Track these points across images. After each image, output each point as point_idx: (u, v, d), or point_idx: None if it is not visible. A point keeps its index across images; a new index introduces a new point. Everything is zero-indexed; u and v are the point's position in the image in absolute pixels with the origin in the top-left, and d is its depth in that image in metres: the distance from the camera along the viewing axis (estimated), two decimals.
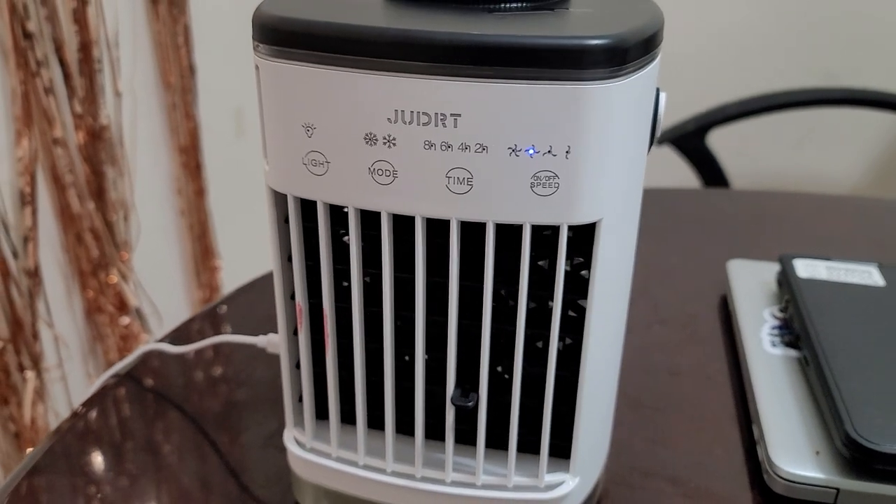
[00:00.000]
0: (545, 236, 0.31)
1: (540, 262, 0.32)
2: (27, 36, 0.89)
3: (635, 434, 0.43)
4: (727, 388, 0.47)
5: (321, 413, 0.36)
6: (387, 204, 0.29)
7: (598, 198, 0.28)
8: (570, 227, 0.29)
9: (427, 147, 0.28)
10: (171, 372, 0.49)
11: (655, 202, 0.70)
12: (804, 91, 1.20)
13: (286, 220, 0.32)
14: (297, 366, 0.35)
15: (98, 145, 1.01)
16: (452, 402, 0.31)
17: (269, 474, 0.41)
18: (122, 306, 1.08)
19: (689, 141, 1.14)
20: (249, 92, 0.35)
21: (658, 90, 0.31)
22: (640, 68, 0.28)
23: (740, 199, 0.76)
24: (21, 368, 0.93)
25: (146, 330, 1.12)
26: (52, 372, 0.99)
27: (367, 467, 0.34)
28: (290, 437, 0.36)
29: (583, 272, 0.32)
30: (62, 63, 0.94)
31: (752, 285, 0.54)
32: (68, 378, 1.02)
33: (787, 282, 0.50)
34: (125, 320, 1.09)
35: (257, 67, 0.29)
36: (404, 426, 0.35)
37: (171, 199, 1.22)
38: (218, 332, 0.53)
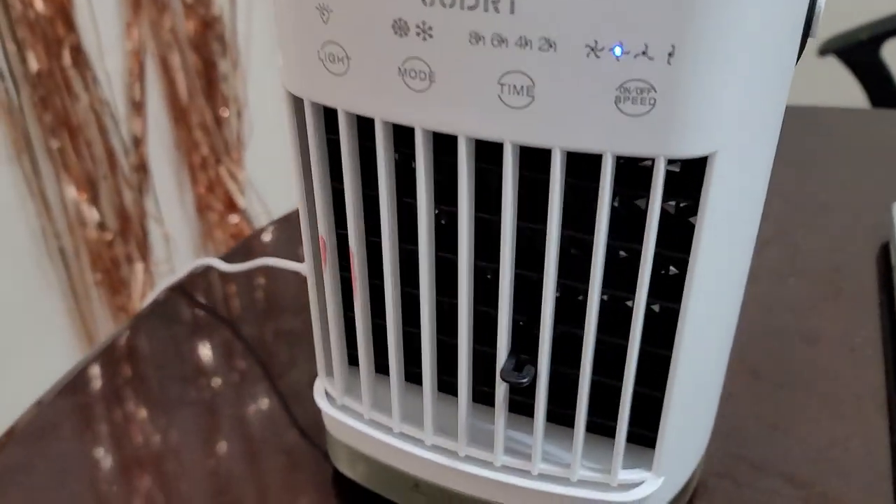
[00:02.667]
0: (641, 167, 0.23)
1: (637, 201, 0.24)
2: None
3: (749, 414, 0.35)
4: (877, 363, 0.38)
5: (357, 360, 0.30)
6: (422, 117, 0.22)
7: (712, 122, 0.20)
8: (672, 161, 0.21)
9: (473, 41, 0.20)
10: (226, 289, 0.44)
11: (807, 123, 0.59)
12: None
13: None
14: None
15: (209, 35, 0.98)
16: (503, 378, 0.25)
17: (314, 418, 0.36)
18: (232, 205, 1.07)
19: (861, 53, 0.98)
20: None
21: None
22: None
23: None
24: (130, 261, 0.94)
25: (253, 230, 1.11)
26: (161, 266, 1.00)
27: (402, 436, 0.28)
28: (320, 389, 0.31)
29: (692, 218, 0.24)
30: None
31: None
32: (177, 272, 1.03)
33: None
34: (234, 219, 1.08)
35: None
36: (451, 386, 0.28)
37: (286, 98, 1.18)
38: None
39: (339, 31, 0.22)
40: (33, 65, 0.77)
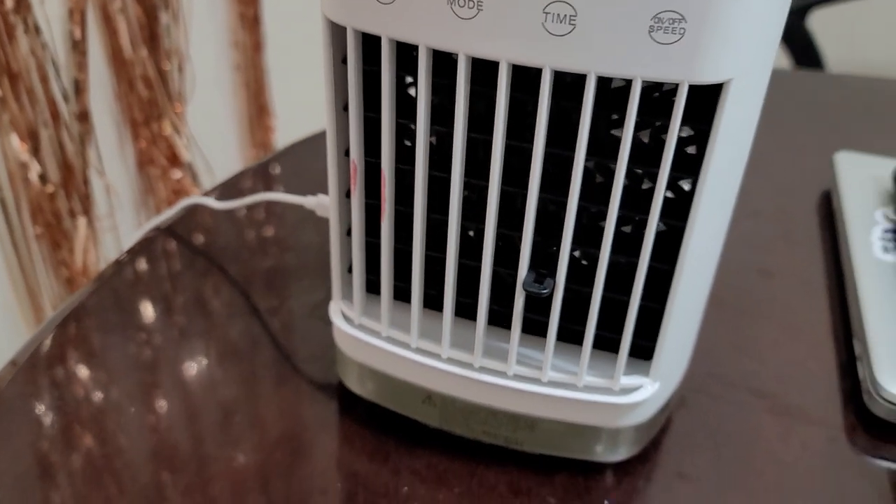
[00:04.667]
0: (651, 97, 0.26)
1: (641, 131, 0.27)
2: None
3: (718, 337, 0.39)
4: (824, 295, 0.42)
5: (373, 287, 0.32)
6: (466, 44, 0.24)
7: (733, 51, 0.23)
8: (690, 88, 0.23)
9: None
10: (218, 228, 0.45)
11: None
12: None
13: (344, 61, 0.27)
14: (349, 232, 0.31)
15: None
16: (524, 288, 0.27)
17: (312, 349, 0.37)
18: (174, 160, 1.06)
19: (788, 20, 1.03)
20: None
21: None
22: None
23: (849, 85, 0.68)
24: (72, 214, 0.92)
25: (197, 185, 1.10)
26: (103, 221, 0.98)
27: (420, 350, 0.31)
28: (336, 310, 0.32)
29: (688, 148, 0.27)
30: None
31: (862, 182, 0.48)
32: (120, 228, 1.01)
33: None
34: (177, 174, 1.06)
35: None
36: (466, 309, 0.31)
37: (227, 52, 1.17)
38: (268, 189, 0.49)
39: None
40: None
